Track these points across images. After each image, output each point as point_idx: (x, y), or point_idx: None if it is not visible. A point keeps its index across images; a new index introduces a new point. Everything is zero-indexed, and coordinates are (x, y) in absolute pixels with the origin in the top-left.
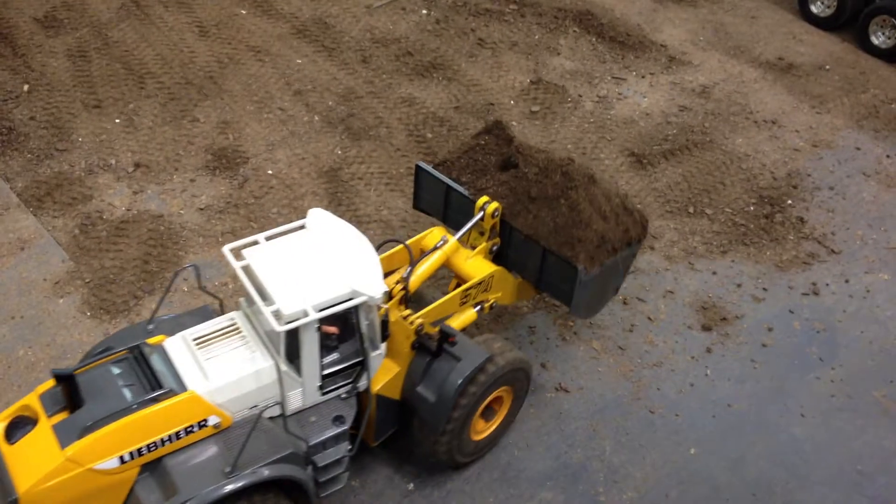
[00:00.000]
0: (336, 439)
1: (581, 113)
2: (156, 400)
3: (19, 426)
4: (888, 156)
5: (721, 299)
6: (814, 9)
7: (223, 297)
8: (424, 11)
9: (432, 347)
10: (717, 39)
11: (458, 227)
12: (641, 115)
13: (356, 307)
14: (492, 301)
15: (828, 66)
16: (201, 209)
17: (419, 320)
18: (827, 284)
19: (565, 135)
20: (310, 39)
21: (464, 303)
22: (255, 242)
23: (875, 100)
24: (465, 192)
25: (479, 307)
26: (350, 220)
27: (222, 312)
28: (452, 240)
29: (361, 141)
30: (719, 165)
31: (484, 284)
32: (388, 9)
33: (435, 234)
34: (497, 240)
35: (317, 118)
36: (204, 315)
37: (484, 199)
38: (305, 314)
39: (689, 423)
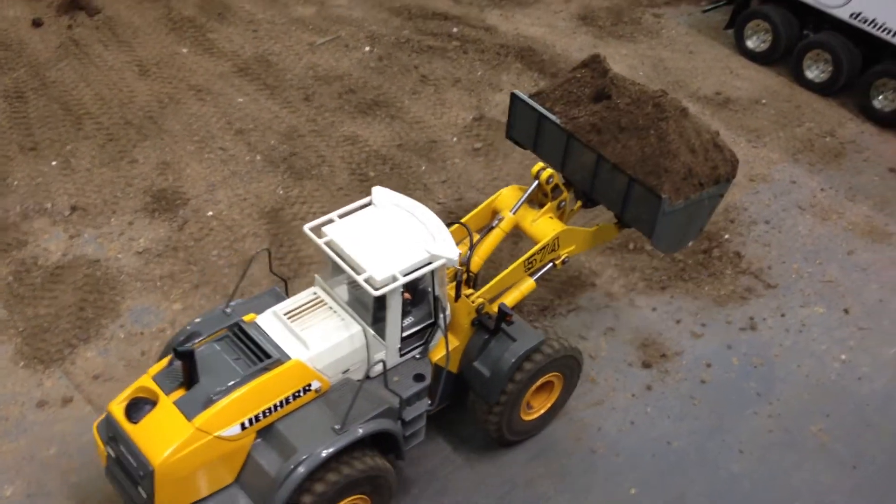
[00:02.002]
0: (418, 395)
1: (523, 150)
2: (266, 369)
3: (138, 407)
4: (822, 189)
5: (661, 335)
6: (750, 44)
7: (160, 342)
8: (367, 48)
9: (490, 326)
10: (656, 74)
11: (547, 157)
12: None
13: (433, 271)
14: (563, 256)
15: (764, 101)
16: (139, 253)
17: (479, 299)
18: (764, 319)
19: (508, 171)
20: (252, 78)
21: (529, 269)
22: (331, 221)
23: (810, 133)
24: (557, 121)
25: (550, 264)
26: (292, 262)
27: (287, 293)
28: (509, 216)
29: (304, 180)
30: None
31: (549, 247)
32: (331, 46)
33: (504, 195)
34: (565, 195)
35: (258, 158)
36: (275, 296)
37: (539, 165)
38: (395, 279)
39: (629, 462)
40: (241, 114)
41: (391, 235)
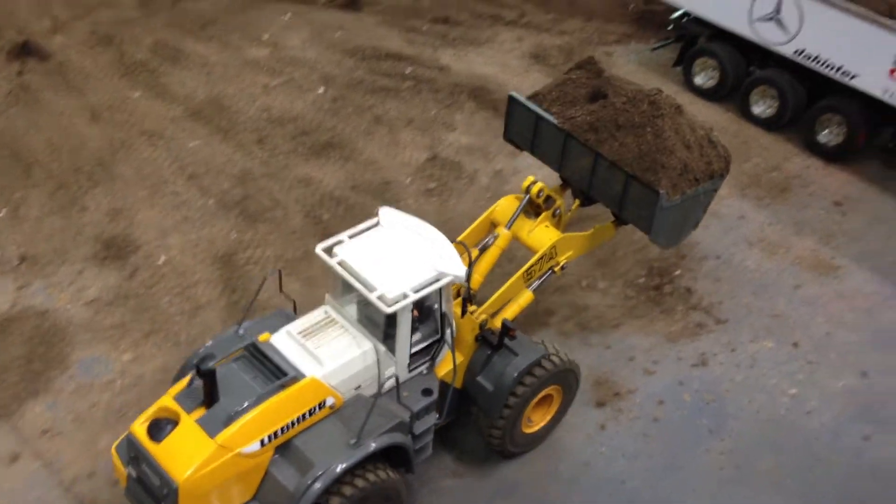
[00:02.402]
0: (426, 410)
1: (477, 189)
2: (283, 386)
3: (160, 426)
4: (770, 223)
5: (614, 374)
6: (698, 80)
7: (110, 394)
8: (321, 89)
9: (493, 341)
10: None
11: (545, 157)
12: None
13: (441, 288)
14: (563, 263)
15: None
16: (89, 302)
17: (483, 315)
18: (715, 354)
19: (461, 210)
20: (205, 121)
21: (529, 279)
22: (341, 241)
23: (757, 168)
24: (555, 121)
25: (549, 272)
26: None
27: (296, 313)
28: (504, 231)
29: (257, 224)
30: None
31: (546, 256)
32: (285, 87)
33: (502, 206)
34: (559, 202)
35: (211, 202)
36: (284, 316)
37: (529, 180)
38: (405, 296)
39: None
40: (194, 158)
41: (400, 254)
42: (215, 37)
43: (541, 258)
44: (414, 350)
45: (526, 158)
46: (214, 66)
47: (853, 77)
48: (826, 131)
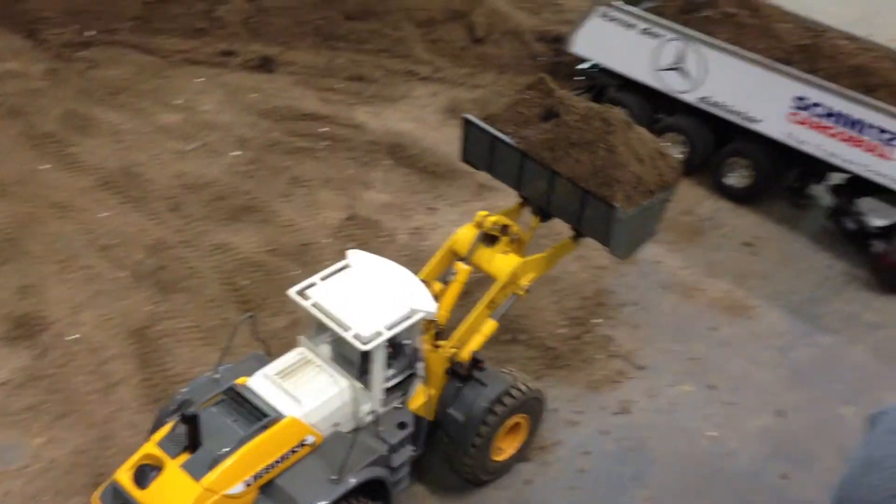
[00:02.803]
0: (402, 443)
1: (396, 247)
2: (265, 427)
3: (145, 473)
4: (684, 267)
5: (539, 426)
6: None
7: (23, 481)
8: (236, 153)
9: (463, 373)
10: None
11: (504, 176)
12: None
13: (413, 324)
14: (526, 285)
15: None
16: None
17: (452, 349)
18: (636, 401)
19: None
20: (116, 191)
21: (493, 307)
22: (313, 284)
23: (670, 212)
24: (511, 141)
25: (513, 297)
26: (161, 382)
27: (270, 356)
28: (463, 267)
29: (173, 294)
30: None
31: (507, 283)
32: (200, 152)
33: (460, 236)
34: (515, 228)
35: (125, 274)
36: (258, 359)
37: (482, 214)
38: (380, 334)
39: None
40: (106, 229)
41: (371, 293)
42: (126, 104)
43: (502, 287)
44: (388, 385)
45: (445, 214)
46: (125, 133)
47: (756, 122)
48: (734, 174)
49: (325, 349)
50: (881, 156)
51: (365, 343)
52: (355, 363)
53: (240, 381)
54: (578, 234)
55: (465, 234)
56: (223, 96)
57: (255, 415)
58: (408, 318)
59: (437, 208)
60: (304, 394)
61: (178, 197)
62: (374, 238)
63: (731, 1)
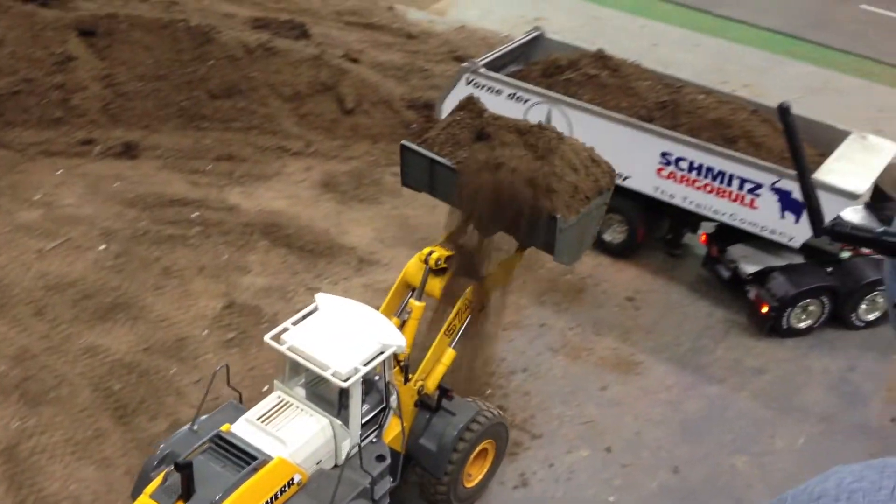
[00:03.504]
0: (382, 475)
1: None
2: (255, 470)
3: None
4: (570, 328)
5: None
6: None
7: None
8: (102, 246)
9: (432, 404)
10: (402, 234)
11: (444, 197)
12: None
13: (386, 359)
14: (487, 303)
15: (505, 247)
16: None
17: (419, 382)
18: (534, 472)
19: (265, 359)
20: None
21: (451, 333)
22: (286, 329)
23: (552, 273)
24: (449, 163)
25: (468, 319)
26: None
27: (242, 402)
28: (416, 304)
29: (41, 407)
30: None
31: (461, 309)
32: (62, 249)
33: (411, 268)
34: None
35: None
36: (233, 408)
37: (427, 250)
38: (356, 370)
39: None
40: None
41: (343, 333)
42: None
43: (457, 313)
44: (364, 420)
45: (328, 293)
46: None
47: (626, 178)
48: (609, 230)
49: (300, 391)
50: (747, 205)
51: (345, 380)
52: (332, 401)
53: (224, 428)
54: (523, 246)
55: (414, 267)
56: (85, 188)
57: (244, 459)
58: (380, 353)
59: (319, 288)
60: (287, 435)
61: (42, 300)
62: (254, 326)
63: (592, 62)
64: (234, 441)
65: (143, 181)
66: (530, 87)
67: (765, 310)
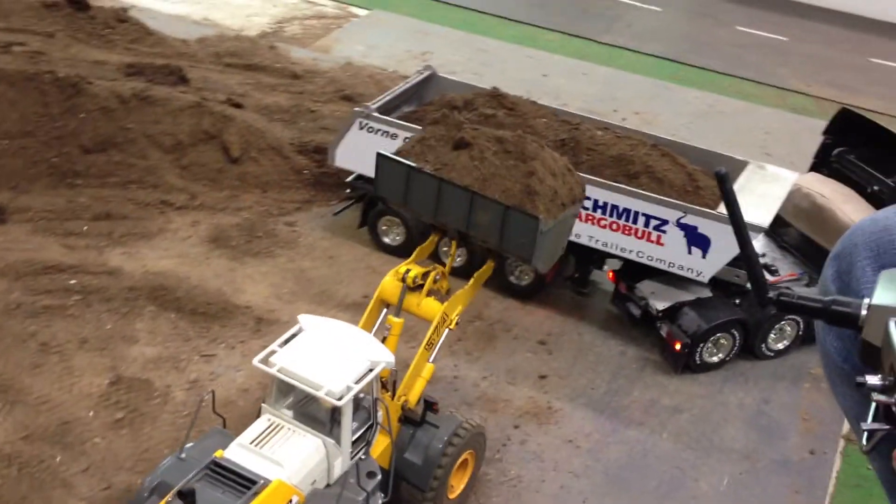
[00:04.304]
0: (374, 491)
1: (173, 407)
2: (255, 494)
3: None
4: (484, 377)
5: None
6: (387, 240)
7: None
8: None
9: (417, 419)
10: (300, 288)
11: (419, 207)
12: (239, 393)
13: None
14: (456, 319)
15: None
16: None
17: (403, 397)
18: None
19: (160, 438)
20: None
21: (430, 348)
22: (274, 352)
23: (460, 319)
24: (428, 169)
25: (446, 332)
26: None
27: (225, 427)
28: (396, 321)
29: None
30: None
31: (440, 322)
32: None
33: (386, 285)
34: (437, 270)
35: None
36: (220, 433)
37: (403, 268)
38: (349, 388)
39: None
40: None
41: (331, 352)
42: None
43: (436, 328)
44: (354, 437)
45: (224, 359)
46: None
47: None
48: (516, 272)
49: (289, 412)
50: (653, 241)
51: (339, 398)
52: (323, 420)
53: (218, 454)
54: (497, 255)
55: (390, 284)
56: None
57: (243, 483)
58: (370, 370)
59: (215, 354)
60: (283, 457)
61: None
62: (145, 402)
63: (487, 100)
64: (230, 466)
65: (12, 247)
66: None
67: (678, 347)
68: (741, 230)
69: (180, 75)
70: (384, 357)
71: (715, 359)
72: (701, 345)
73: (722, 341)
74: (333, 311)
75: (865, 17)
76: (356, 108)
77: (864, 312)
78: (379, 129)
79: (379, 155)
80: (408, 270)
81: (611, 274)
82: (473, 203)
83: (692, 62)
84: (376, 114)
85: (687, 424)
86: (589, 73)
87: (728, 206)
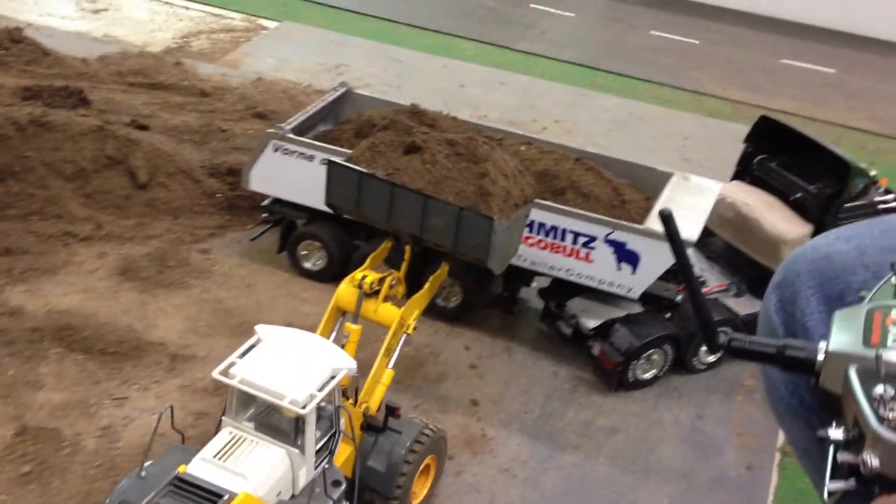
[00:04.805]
0: (340, 499)
1: (84, 457)
2: None
3: None
4: (415, 405)
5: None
6: (307, 265)
7: None
8: None
9: (379, 425)
10: (217, 320)
11: (370, 214)
12: (156, 438)
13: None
14: (414, 323)
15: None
16: None
17: (364, 404)
18: None
19: (70, 493)
20: None
21: (389, 355)
22: (233, 363)
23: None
24: (381, 175)
25: (404, 337)
26: None
27: (184, 443)
28: (353, 327)
29: None
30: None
31: (398, 328)
32: None
33: (342, 293)
34: (392, 275)
35: None
36: (180, 449)
37: (360, 274)
38: (313, 396)
39: None
40: None
41: (291, 361)
42: None
43: (395, 333)
44: (318, 446)
45: (138, 402)
46: None
47: None
48: (443, 294)
49: (250, 424)
50: (582, 259)
51: (303, 407)
52: (285, 430)
53: (181, 469)
54: (451, 257)
55: (346, 292)
56: None
57: (209, 498)
58: (332, 377)
59: (127, 396)
60: (247, 469)
61: None
62: (54, 453)
63: (407, 118)
64: (194, 481)
65: None
66: (345, 151)
67: (611, 365)
68: (688, 272)
69: (81, 97)
70: (346, 364)
71: (648, 375)
72: (634, 362)
73: (654, 357)
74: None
75: (774, 18)
76: (269, 130)
77: (820, 357)
78: (294, 151)
79: (330, 162)
80: (364, 276)
81: (539, 292)
82: (427, 206)
83: (608, 68)
84: (291, 135)
85: (623, 445)
86: (506, 82)
87: (674, 249)
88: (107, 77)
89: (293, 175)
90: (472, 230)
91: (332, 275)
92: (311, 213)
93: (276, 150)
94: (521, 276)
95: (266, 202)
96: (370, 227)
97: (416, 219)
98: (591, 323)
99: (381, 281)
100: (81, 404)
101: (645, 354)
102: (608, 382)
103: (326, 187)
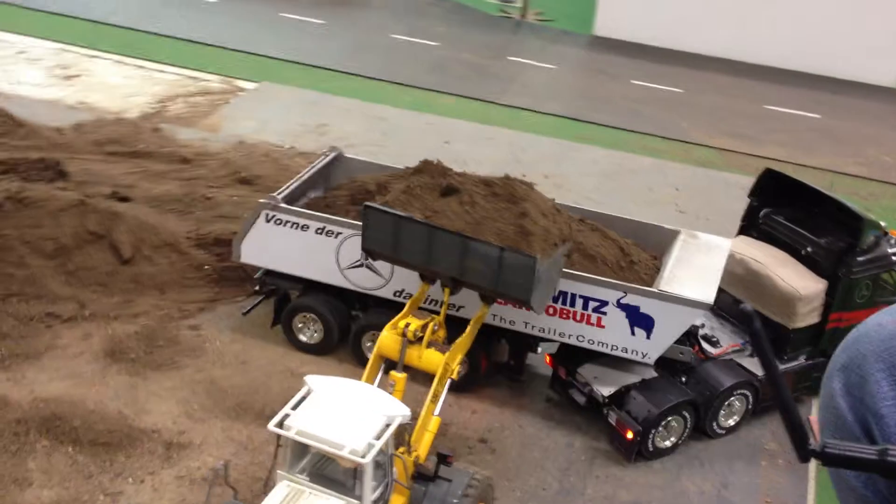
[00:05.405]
0: None
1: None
2: None
3: None
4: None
5: None
6: (303, 338)
7: None
8: None
9: (430, 474)
10: (212, 402)
11: (408, 257)
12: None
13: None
14: (457, 368)
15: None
16: None
17: (415, 453)
18: None
19: None
20: None
21: (436, 401)
22: (287, 415)
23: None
24: (420, 219)
25: (449, 382)
26: None
27: (237, 499)
28: (399, 376)
29: None
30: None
31: (443, 373)
32: None
33: (385, 341)
34: (434, 321)
35: None
36: None
37: (402, 324)
38: (371, 445)
39: None
40: None
41: (345, 410)
42: None
43: (440, 379)
44: (374, 497)
45: (134, 496)
46: None
47: (460, 308)
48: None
49: (304, 476)
50: (593, 324)
51: (363, 456)
52: (342, 481)
53: None
54: (490, 299)
55: (388, 339)
56: None
57: None
58: (388, 425)
59: (122, 491)
60: None
61: None
62: None
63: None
64: None
65: None
66: (341, 219)
67: (630, 435)
68: (775, 375)
69: (58, 170)
70: (399, 411)
71: (667, 443)
72: (653, 430)
73: (673, 424)
74: (253, 425)
75: (755, 65)
76: (262, 200)
77: None
78: (287, 221)
79: (366, 206)
80: (407, 324)
81: (547, 358)
82: (467, 248)
83: (593, 119)
84: (284, 205)
85: None
86: (492, 137)
87: (757, 349)
88: (84, 147)
89: (287, 245)
90: (514, 270)
91: (329, 347)
92: (306, 284)
93: (269, 220)
94: (527, 341)
95: (258, 274)
96: (367, 297)
97: (455, 261)
98: (605, 390)
99: (424, 327)
100: (73, 502)
101: (663, 422)
102: (627, 453)
103: (363, 233)
